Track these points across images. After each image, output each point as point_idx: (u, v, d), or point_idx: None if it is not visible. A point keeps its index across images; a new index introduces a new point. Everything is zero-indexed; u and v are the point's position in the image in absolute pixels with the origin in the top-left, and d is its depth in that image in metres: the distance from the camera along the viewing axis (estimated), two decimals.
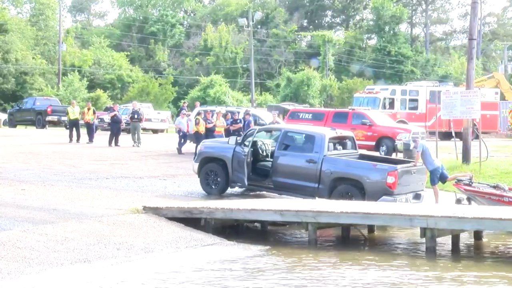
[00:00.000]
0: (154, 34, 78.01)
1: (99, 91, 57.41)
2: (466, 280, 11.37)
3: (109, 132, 30.49)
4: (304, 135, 17.97)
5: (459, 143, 23.98)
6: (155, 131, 40.66)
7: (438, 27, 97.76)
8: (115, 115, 30.25)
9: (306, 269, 11.90)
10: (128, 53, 72.85)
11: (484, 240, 14.58)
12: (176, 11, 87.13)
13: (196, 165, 18.77)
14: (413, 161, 17.74)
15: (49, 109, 42.38)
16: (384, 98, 36.57)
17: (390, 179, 15.83)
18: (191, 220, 14.41)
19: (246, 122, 25.45)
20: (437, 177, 17.64)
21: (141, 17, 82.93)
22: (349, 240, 14.60)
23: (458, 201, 16.72)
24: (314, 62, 70.27)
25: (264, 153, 18.54)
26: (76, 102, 35.41)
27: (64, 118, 38.62)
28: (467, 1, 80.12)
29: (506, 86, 47.53)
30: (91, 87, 59.99)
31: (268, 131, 19.90)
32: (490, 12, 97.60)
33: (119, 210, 14.94)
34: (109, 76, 65.06)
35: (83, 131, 30.95)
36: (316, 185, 16.63)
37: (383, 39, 77.05)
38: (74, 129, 30.67)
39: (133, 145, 29.04)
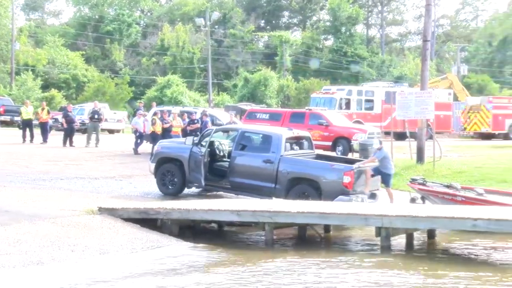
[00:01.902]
0: (110, 33, 77.18)
1: (53, 91, 56.53)
2: (419, 278, 11.53)
3: (63, 132, 30.07)
4: (261, 135, 18.03)
5: (414, 143, 24.32)
6: (111, 131, 40.26)
7: (394, 29, 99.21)
8: (70, 119, 29.80)
9: (262, 269, 11.89)
10: (84, 52, 71.92)
11: (437, 238, 14.79)
12: (133, 10, 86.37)
13: (153, 166, 18.66)
14: (363, 160, 18.02)
15: (1, 109, 41.59)
16: (341, 99, 36.85)
17: (347, 179, 15.99)
18: (147, 221, 14.30)
19: (204, 123, 25.39)
20: (391, 179, 17.75)
21: (96, 16, 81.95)
22: (306, 239, 14.68)
23: (413, 200, 16.95)
24: (275, 63, 69.98)
25: (221, 154, 18.56)
26: (30, 102, 34.81)
27: (17, 118, 37.97)
28: (422, 3, 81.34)
29: (459, 87, 48.38)
30: (45, 86, 59.02)
31: (225, 131, 19.89)
32: (444, 14, 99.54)
33: (73, 211, 14.72)
34: (64, 76, 64.11)
35: (37, 131, 30.45)
36: (273, 185, 16.70)
37: (340, 39, 77.71)
38: (27, 129, 30.16)
39: (86, 146, 28.70)
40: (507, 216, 12.77)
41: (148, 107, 37.04)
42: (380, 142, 18.27)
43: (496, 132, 40.62)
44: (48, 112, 30.84)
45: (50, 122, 32.66)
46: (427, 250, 14.12)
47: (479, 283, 11.18)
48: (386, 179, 17.47)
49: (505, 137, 40.08)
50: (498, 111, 40.65)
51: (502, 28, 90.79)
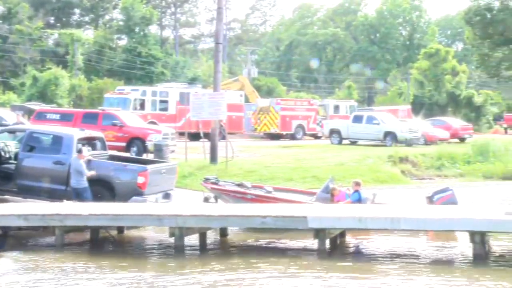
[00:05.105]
0: None
1: None
2: (209, 273, 11.83)
3: None
4: (51, 136, 17.40)
5: (208, 144, 24.81)
6: None
7: (187, 30, 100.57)
8: None
9: (47, 276, 11.44)
10: None
11: (229, 236, 15.20)
12: None
13: None
14: (166, 161, 18.01)
15: None
16: (135, 99, 36.54)
17: (141, 180, 15.95)
18: None
19: None
20: (87, 194, 15.66)
21: None
22: (99, 242, 14.35)
23: (206, 199, 17.25)
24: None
25: (7, 155, 17.57)
26: None
27: None
28: (214, 7, 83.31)
29: (250, 89, 50.18)
30: None
31: (12, 132, 18.85)
32: (235, 18, 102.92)
33: None
34: None
35: None
36: (64, 187, 16.18)
37: (134, 39, 77.10)
38: None
39: None
40: (293, 213, 13.50)
41: None
42: (80, 151, 15.96)
43: (284, 133, 42.73)
44: None
45: None
46: (220, 248, 14.48)
47: (269, 271, 11.79)
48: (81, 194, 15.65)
49: (292, 137, 42.30)
50: (286, 112, 42.80)
51: (288, 34, 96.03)
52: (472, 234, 12.74)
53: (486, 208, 15.05)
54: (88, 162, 15.98)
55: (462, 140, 39.47)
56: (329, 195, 16.29)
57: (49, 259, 12.71)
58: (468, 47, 78.00)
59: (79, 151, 15.86)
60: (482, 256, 12.68)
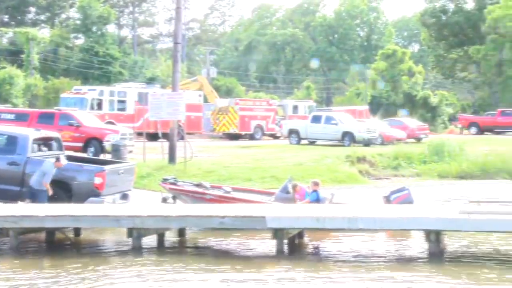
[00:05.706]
0: None
1: None
2: (165, 273, 11.79)
3: None
4: (5, 136, 17.10)
5: (166, 144, 24.68)
6: None
7: (145, 30, 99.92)
8: None
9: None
10: None
11: (188, 236, 15.16)
12: None
13: None
14: (124, 161, 17.87)
15: None
16: (92, 99, 36.16)
17: (98, 180, 15.78)
18: None
19: None
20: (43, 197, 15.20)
21: None
22: (55, 244, 14.16)
23: (164, 199, 17.19)
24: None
25: None
26: None
27: None
28: (172, 6, 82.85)
29: (209, 89, 50.07)
30: None
31: None
32: (194, 18, 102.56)
33: None
34: None
35: None
36: (19, 188, 15.92)
37: (91, 39, 76.24)
38: None
39: None
40: (251, 213, 13.54)
41: None
42: (58, 159, 15.56)
43: (243, 133, 42.75)
44: None
45: None
46: (178, 248, 14.43)
47: (226, 271, 11.79)
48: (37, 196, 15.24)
49: (251, 137, 42.36)
50: (245, 112, 42.83)
51: (247, 34, 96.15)
52: (428, 232, 12.96)
53: (441, 207, 15.32)
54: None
55: (418, 140, 39.99)
56: (290, 195, 16.36)
57: (6, 263, 12.49)
58: (424, 48, 79.44)
59: (57, 159, 15.58)
60: (437, 254, 12.91)
